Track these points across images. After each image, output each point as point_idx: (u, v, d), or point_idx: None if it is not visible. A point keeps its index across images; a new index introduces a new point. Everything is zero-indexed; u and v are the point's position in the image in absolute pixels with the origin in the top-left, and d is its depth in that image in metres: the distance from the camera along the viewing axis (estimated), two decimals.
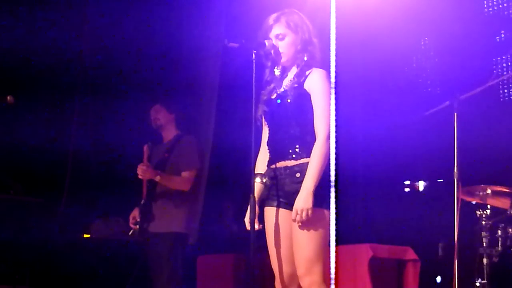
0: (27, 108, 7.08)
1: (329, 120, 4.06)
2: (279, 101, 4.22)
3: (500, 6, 7.00)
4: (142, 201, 6.13)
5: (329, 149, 4.03)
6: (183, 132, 6.40)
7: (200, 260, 7.19)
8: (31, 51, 7.10)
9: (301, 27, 4.26)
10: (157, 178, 6.04)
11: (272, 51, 4.20)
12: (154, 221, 6.12)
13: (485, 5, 7.11)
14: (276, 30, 4.23)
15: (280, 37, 4.23)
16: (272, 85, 4.31)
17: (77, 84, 7.60)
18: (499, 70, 6.12)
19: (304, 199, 3.99)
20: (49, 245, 6.87)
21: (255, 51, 4.16)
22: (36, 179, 6.92)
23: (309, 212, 3.97)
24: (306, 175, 4.04)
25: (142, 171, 6.03)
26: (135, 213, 6.16)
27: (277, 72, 4.31)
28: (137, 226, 6.12)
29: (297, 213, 3.99)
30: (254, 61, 4.15)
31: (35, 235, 6.84)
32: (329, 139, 4.04)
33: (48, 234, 6.93)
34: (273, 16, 4.28)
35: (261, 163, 4.31)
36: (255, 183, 4.22)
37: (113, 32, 7.43)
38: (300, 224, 4.02)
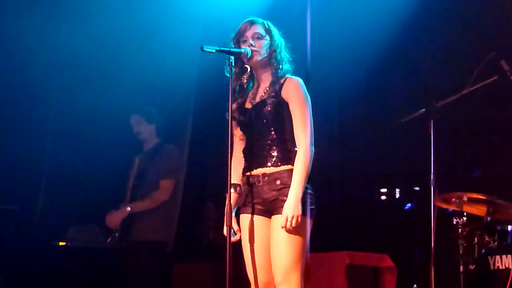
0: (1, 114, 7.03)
1: (310, 127, 4.11)
2: (256, 110, 4.20)
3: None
4: (128, 208, 6.08)
5: (312, 156, 4.05)
6: (164, 140, 6.38)
7: (176, 267, 7.17)
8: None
9: (278, 37, 4.27)
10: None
11: (248, 55, 4.18)
12: (133, 229, 6.09)
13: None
14: (255, 29, 4.23)
15: (257, 36, 4.22)
16: (247, 94, 4.29)
17: (52, 89, 7.54)
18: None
19: (294, 206, 3.98)
20: (24, 253, 6.81)
21: (231, 57, 4.14)
22: (11, 186, 6.86)
23: (299, 218, 3.97)
24: (292, 182, 4.03)
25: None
26: (118, 217, 6.10)
27: (250, 79, 4.30)
28: (117, 234, 6.10)
29: (287, 220, 3.97)
30: (230, 67, 4.12)
31: (10, 243, 6.78)
32: (312, 145, 4.07)
33: (23, 242, 6.87)
34: (253, 18, 4.27)
35: (235, 173, 4.27)
36: (232, 193, 4.20)
37: (89, 37, 7.37)
38: (290, 230, 3.99)
